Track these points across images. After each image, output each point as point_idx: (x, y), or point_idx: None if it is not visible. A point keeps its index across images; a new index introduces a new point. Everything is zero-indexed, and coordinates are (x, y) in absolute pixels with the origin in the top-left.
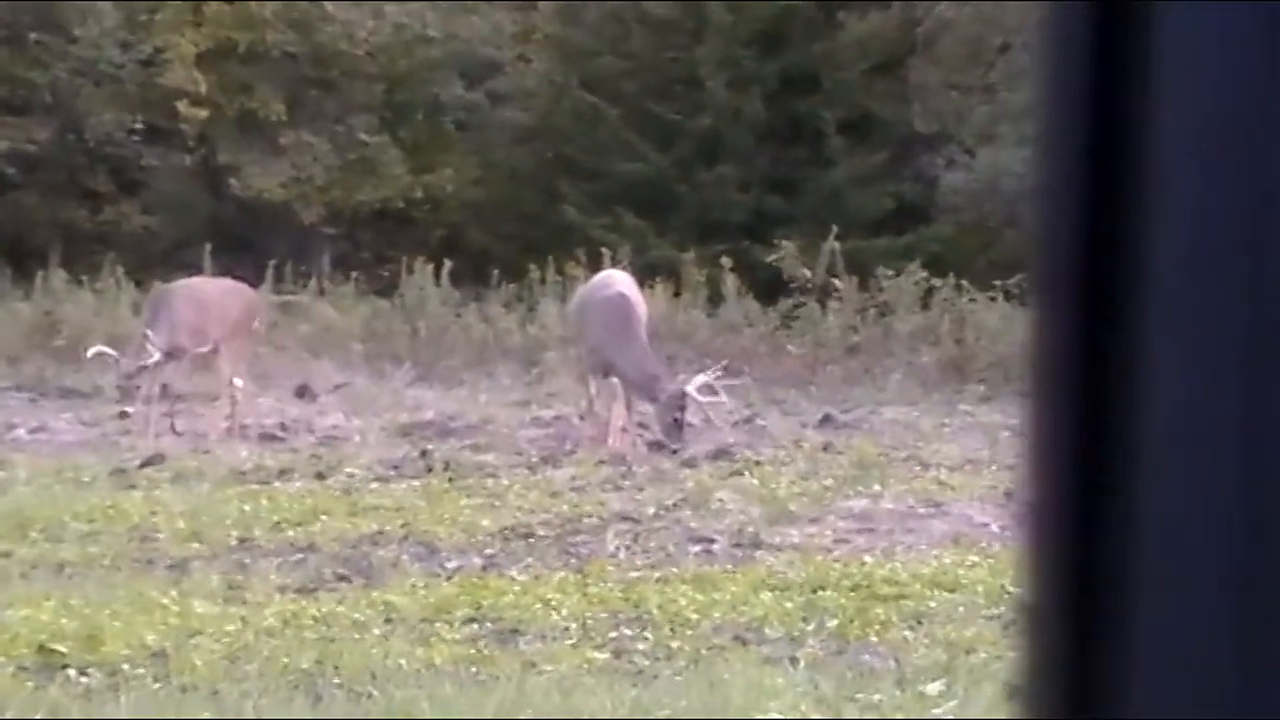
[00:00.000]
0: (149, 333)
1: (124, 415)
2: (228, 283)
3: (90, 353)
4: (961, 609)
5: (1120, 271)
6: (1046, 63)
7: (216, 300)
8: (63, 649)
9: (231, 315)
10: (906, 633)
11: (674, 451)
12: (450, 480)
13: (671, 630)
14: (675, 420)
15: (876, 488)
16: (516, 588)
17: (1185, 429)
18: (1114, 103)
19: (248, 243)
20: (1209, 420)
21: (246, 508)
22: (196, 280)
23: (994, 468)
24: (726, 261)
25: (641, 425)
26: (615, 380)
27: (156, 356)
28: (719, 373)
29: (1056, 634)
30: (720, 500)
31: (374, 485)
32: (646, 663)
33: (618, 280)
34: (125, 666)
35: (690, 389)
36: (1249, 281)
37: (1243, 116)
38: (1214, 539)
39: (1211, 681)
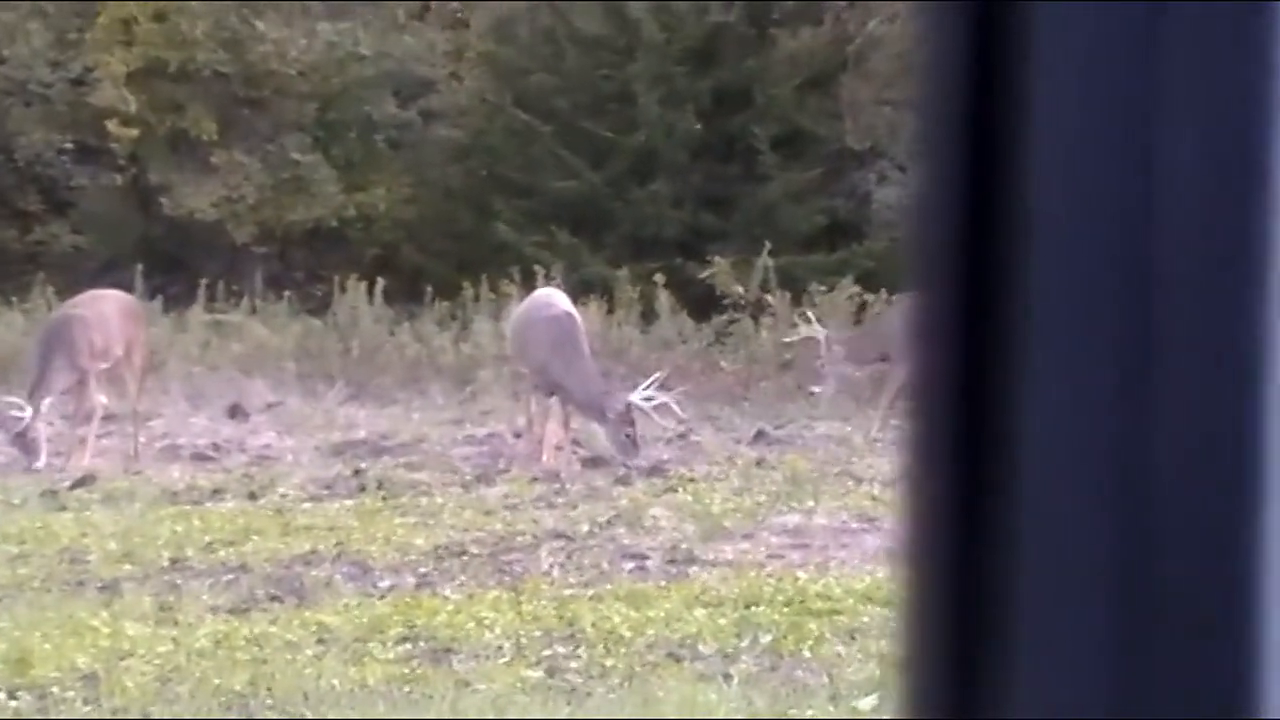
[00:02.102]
0: (18, 398)
1: (34, 471)
2: (119, 297)
3: None
4: (895, 624)
5: (997, 280)
6: (923, 71)
7: (114, 317)
8: None
9: (128, 330)
10: (840, 648)
11: (627, 468)
12: (383, 499)
13: (605, 648)
14: (628, 436)
15: (810, 503)
16: (450, 606)
17: (1063, 435)
18: (990, 109)
19: (179, 262)
20: (1086, 426)
21: (178, 528)
22: (85, 299)
23: None
24: (660, 278)
25: (575, 443)
26: (551, 398)
27: (27, 417)
28: (656, 386)
29: (937, 639)
30: (654, 517)
31: (307, 505)
32: (580, 681)
33: (559, 299)
34: (55, 689)
35: (635, 399)
36: (1124, 288)
37: (1117, 121)
38: (1094, 542)
39: (1091, 684)
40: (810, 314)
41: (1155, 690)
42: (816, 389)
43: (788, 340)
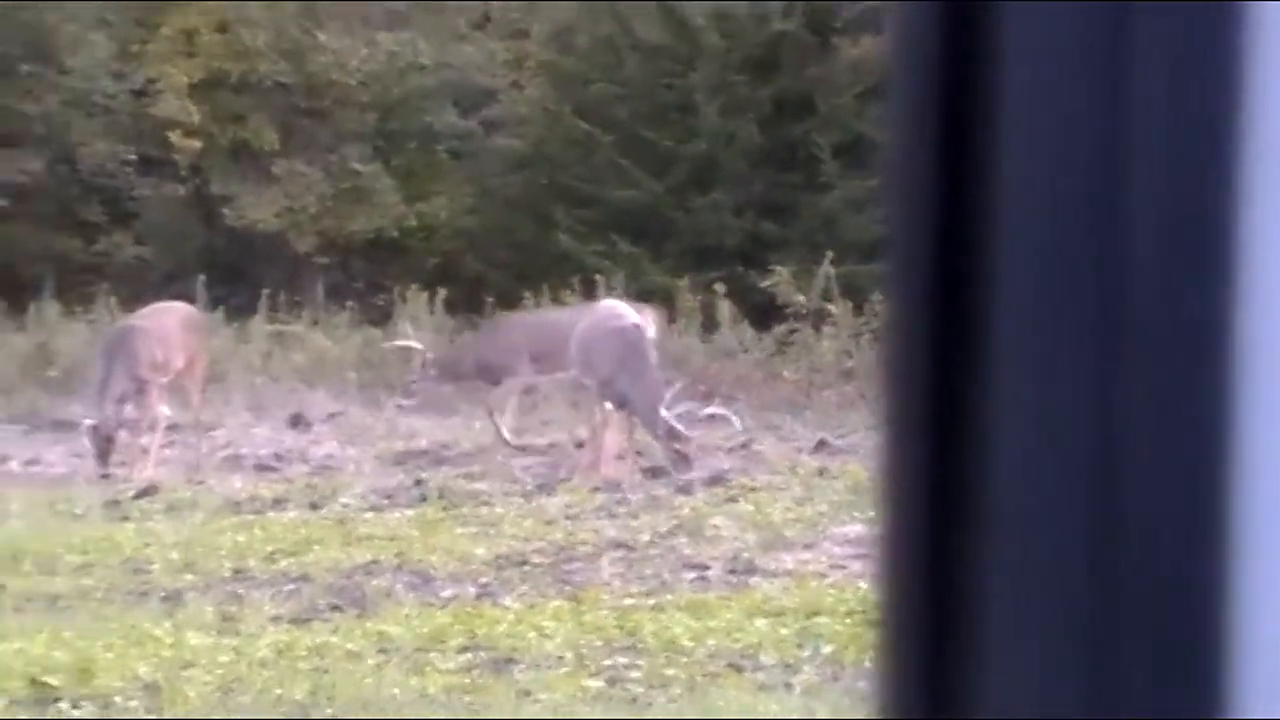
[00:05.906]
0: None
1: (105, 478)
2: (181, 309)
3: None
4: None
5: (970, 273)
6: (895, 64)
7: (176, 329)
8: (55, 682)
9: (190, 342)
10: None
11: (687, 480)
12: (444, 509)
13: (666, 658)
14: (677, 451)
15: (871, 513)
16: (510, 616)
17: (1037, 432)
18: (961, 104)
19: (241, 272)
20: (1060, 424)
21: (240, 538)
22: (147, 311)
23: None
24: (721, 287)
25: (637, 452)
26: (618, 409)
27: (102, 423)
28: (716, 400)
29: (912, 638)
30: (715, 527)
31: (368, 514)
32: (640, 690)
33: (626, 310)
34: (118, 699)
35: (669, 418)
36: (1096, 280)
37: (1085, 117)
38: (1065, 540)
39: (1064, 685)
40: (409, 326)
41: (1128, 689)
42: (405, 402)
43: (387, 345)
